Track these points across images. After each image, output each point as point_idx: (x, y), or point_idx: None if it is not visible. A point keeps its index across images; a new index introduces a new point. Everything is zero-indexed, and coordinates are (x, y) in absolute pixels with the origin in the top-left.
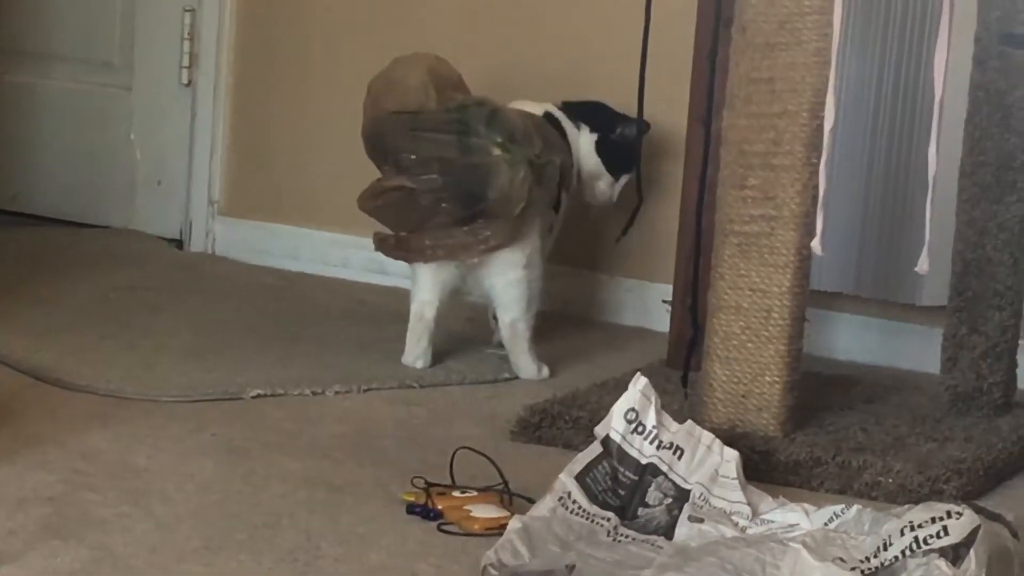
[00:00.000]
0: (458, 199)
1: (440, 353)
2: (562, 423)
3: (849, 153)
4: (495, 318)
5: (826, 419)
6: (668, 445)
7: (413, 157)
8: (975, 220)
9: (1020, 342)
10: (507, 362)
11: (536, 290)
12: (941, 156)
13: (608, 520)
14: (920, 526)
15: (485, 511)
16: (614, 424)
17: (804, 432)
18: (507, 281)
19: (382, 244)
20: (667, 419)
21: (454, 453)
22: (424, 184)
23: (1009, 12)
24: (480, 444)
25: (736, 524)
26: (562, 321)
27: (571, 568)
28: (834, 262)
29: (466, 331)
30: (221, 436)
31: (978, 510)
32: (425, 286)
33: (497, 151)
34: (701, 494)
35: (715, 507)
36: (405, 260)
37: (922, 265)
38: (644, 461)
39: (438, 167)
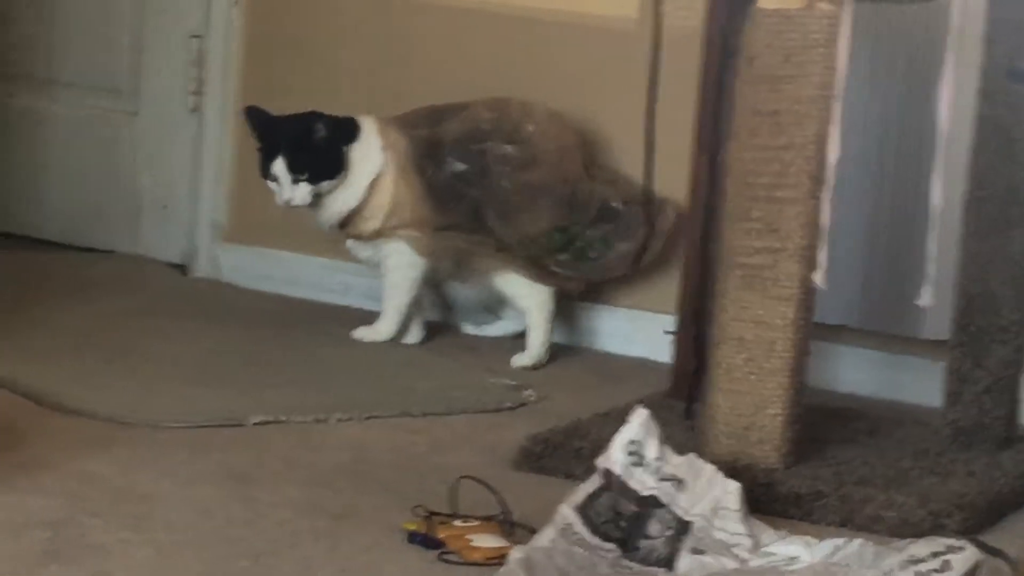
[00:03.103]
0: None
1: (444, 383)
2: (564, 453)
3: (853, 186)
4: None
5: (828, 452)
6: (669, 477)
7: None
8: (979, 254)
9: (1023, 377)
10: (510, 390)
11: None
12: (945, 189)
13: (609, 552)
14: (922, 560)
15: (486, 540)
16: (615, 456)
17: (806, 465)
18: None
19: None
20: (668, 451)
21: (456, 482)
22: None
23: (1015, 46)
24: (481, 473)
25: (737, 556)
26: (565, 351)
27: None
28: (837, 295)
29: (469, 360)
30: (223, 463)
31: (979, 545)
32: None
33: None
34: (702, 526)
35: (716, 539)
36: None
37: (925, 298)
38: (645, 493)
39: None
